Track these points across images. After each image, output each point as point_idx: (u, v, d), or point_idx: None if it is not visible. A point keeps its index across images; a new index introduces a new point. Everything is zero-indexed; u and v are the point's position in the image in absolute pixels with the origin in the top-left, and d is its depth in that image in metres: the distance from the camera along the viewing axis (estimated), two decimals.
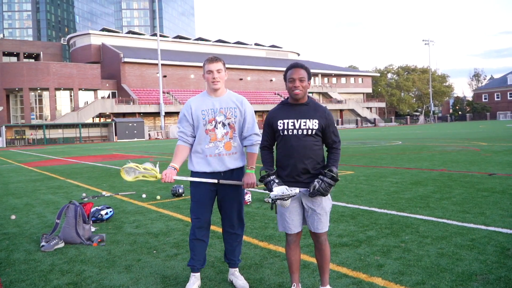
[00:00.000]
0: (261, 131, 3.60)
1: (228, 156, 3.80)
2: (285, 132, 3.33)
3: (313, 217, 3.33)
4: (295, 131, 3.30)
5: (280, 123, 3.35)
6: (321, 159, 3.37)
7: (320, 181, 3.24)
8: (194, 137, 3.85)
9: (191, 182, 3.85)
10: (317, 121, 3.31)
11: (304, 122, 3.31)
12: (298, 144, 3.29)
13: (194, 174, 3.86)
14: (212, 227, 5.74)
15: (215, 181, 3.76)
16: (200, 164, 3.81)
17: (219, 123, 3.78)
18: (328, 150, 3.44)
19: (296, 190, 3.18)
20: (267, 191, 3.43)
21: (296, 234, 3.41)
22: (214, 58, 3.77)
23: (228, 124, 3.80)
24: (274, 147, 3.54)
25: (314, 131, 3.30)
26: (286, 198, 3.19)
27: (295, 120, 3.32)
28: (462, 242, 4.70)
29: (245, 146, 3.93)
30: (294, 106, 3.38)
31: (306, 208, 3.35)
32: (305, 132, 3.29)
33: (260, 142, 3.81)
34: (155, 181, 3.74)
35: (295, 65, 3.36)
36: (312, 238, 3.46)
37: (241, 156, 3.91)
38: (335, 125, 3.43)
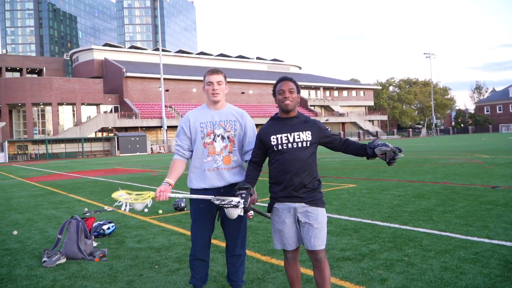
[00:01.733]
0: None
1: (227, 170, 3.68)
2: (280, 147, 3.27)
3: (309, 233, 3.22)
4: (289, 145, 3.25)
5: (273, 138, 3.30)
6: (316, 173, 3.32)
7: (380, 147, 3.28)
8: (191, 151, 3.75)
9: (191, 201, 3.74)
10: (309, 132, 3.28)
11: (297, 135, 3.26)
12: (294, 158, 3.22)
13: (193, 191, 3.74)
14: (214, 241, 5.72)
15: (210, 197, 3.45)
16: (198, 180, 3.70)
17: (218, 136, 3.67)
18: (345, 147, 3.40)
19: (236, 199, 3.19)
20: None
21: (295, 250, 3.35)
22: (215, 70, 3.70)
23: (228, 137, 3.69)
24: (266, 164, 3.46)
25: (308, 142, 3.25)
26: (226, 206, 3.20)
27: (288, 134, 3.27)
28: (465, 256, 4.68)
29: (246, 161, 3.79)
30: (285, 120, 3.34)
31: (302, 223, 3.25)
32: (300, 145, 3.24)
33: None
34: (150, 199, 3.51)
35: (284, 78, 3.35)
36: (310, 257, 3.33)
37: (241, 171, 3.79)
38: (328, 129, 3.40)
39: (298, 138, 3.26)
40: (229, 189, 3.70)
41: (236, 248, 3.80)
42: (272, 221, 3.39)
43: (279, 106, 3.34)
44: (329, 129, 3.40)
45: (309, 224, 3.23)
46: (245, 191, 3.26)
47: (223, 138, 3.69)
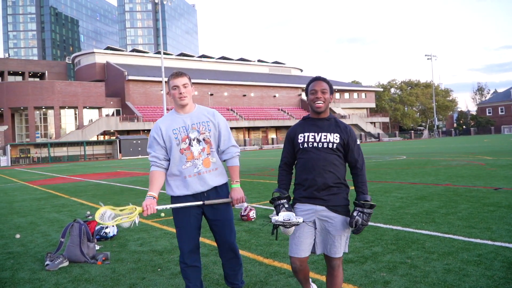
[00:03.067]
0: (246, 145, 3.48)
1: (208, 173, 3.57)
2: (305, 145, 3.21)
3: (326, 239, 3.17)
4: (315, 144, 3.18)
5: (301, 136, 3.24)
6: (343, 176, 3.23)
7: (361, 214, 3.08)
8: (168, 160, 3.61)
9: (174, 208, 3.59)
10: (338, 135, 3.20)
11: (324, 135, 3.19)
12: (318, 156, 3.15)
13: (174, 199, 3.63)
14: (212, 242, 5.72)
15: (200, 203, 3.51)
16: (180, 187, 3.58)
17: (194, 140, 3.56)
18: (352, 172, 3.28)
19: (300, 219, 3.06)
20: (272, 208, 3.34)
21: (304, 258, 3.22)
22: (179, 73, 3.60)
23: (203, 139, 3.58)
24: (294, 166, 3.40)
25: (335, 145, 3.17)
26: (288, 226, 3.06)
27: (316, 134, 3.21)
28: (468, 258, 4.66)
29: (225, 160, 3.72)
30: (315, 120, 3.28)
31: (318, 229, 3.19)
32: (325, 145, 3.17)
33: (239, 153, 3.72)
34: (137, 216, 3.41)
35: (318, 78, 3.29)
36: (325, 261, 3.29)
37: (223, 172, 3.69)
38: (358, 143, 3.29)
39: (324, 139, 3.19)
40: (213, 192, 3.62)
41: (232, 252, 3.75)
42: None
43: (310, 106, 3.29)
44: (358, 145, 3.27)
45: (327, 230, 3.17)
46: (286, 200, 3.22)
47: (198, 141, 3.58)
